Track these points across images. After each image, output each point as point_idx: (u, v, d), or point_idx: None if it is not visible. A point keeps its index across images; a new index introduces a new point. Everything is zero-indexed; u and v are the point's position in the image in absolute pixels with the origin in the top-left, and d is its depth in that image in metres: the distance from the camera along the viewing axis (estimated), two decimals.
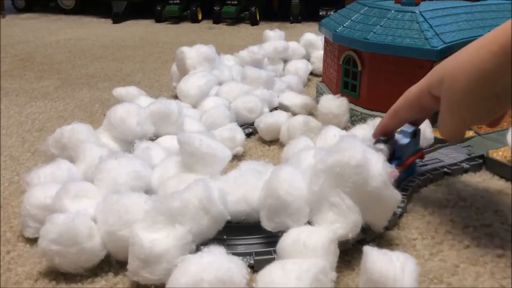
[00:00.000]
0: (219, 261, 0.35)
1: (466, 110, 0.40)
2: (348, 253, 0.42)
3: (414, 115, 0.48)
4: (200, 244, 0.40)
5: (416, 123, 0.50)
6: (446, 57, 0.63)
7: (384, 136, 0.49)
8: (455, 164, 0.57)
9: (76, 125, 0.56)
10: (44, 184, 0.47)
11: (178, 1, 1.89)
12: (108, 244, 0.41)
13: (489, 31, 0.66)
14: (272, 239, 0.42)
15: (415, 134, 0.50)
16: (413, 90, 0.45)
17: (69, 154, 0.54)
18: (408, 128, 0.49)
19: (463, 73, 0.39)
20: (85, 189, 0.44)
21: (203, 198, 0.39)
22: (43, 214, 0.43)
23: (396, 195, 0.41)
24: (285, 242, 0.38)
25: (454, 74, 0.39)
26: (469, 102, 0.39)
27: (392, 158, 0.49)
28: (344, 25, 0.71)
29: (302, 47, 1.03)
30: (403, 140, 0.50)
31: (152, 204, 0.40)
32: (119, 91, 0.78)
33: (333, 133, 0.56)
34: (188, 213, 0.39)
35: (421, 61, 0.62)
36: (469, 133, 0.64)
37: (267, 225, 0.41)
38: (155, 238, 0.38)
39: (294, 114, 0.70)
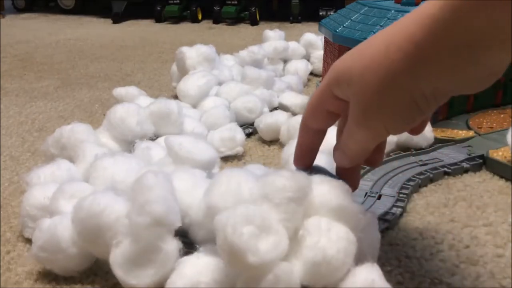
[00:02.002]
0: (215, 262, 0.35)
1: (380, 119, 0.32)
2: None
3: (325, 123, 0.38)
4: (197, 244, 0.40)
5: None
6: None
7: (306, 159, 0.41)
8: (455, 163, 0.57)
9: (75, 125, 0.56)
10: (43, 184, 0.47)
11: (178, 1, 1.89)
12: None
13: None
14: None
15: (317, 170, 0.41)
16: (315, 93, 0.37)
17: (69, 154, 0.54)
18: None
19: (374, 77, 0.31)
20: (81, 190, 0.44)
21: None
22: (42, 214, 0.43)
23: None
24: None
25: (364, 76, 0.32)
26: (383, 110, 0.31)
27: None
28: (344, 25, 0.71)
29: (302, 47, 1.03)
30: None
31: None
32: (119, 91, 0.78)
33: (332, 133, 0.56)
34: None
35: None
36: (469, 133, 0.64)
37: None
38: None
39: (294, 114, 0.70)
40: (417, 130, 0.38)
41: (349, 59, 0.33)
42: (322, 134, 0.39)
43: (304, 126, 0.39)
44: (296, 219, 0.35)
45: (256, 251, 0.31)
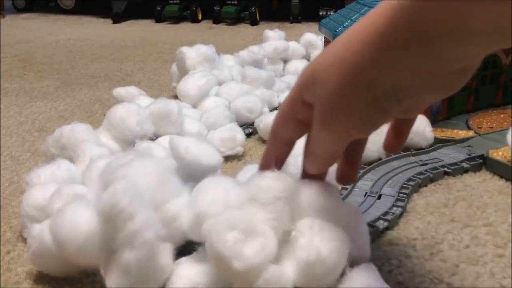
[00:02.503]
0: None
1: (342, 119, 0.31)
2: None
3: (295, 132, 0.36)
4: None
5: None
6: None
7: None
8: (455, 163, 0.57)
9: (75, 125, 0.56)
10: (43, 185, 0.46)
11: (178, 1, 1.89)
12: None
13: None
14: None
15: None
16: (286, 99, 0.35)
17: (69, 154, 0.54)
18: None
19: (335, 72, 0.30)
20: (78, 191, 0.43)
21: None
22: (41, 215, 0.43)
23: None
24: None
25: (327, 74, 0.30)
26: (345, 109, 0.30)
27: None
28: (344, 25, 0.70)
29: (302, 47, 1.03)
30: None
31: None
32: (119, 91, 0.78)
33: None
34: None
35: None
36: (469, 133, 0.64)
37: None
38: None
39: None
40: (392, 147, 0.38)
41: (316, 60, 0.32)
42: (291, 145, 0.37)
43: (272, 134, 0.37)
44: (284, 219, 0.35)
45: (241, 256, 0.31)
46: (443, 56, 0.27)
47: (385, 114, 0.30)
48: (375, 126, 0.31)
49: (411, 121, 0.38)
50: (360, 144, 0.38)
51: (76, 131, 0.55)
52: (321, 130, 0.32)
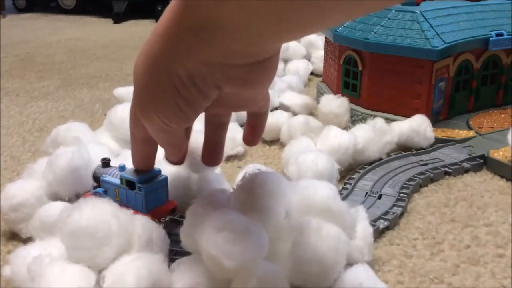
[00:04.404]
0: None
1: (152, 108, 0.32)
2: None
3: (146, 131, 0.36)
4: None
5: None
6: (447, 57, 0.64)
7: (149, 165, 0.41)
8: (456, 163, 0.57)
9: (71, 124, 0.56)
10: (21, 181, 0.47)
11: None
12: None
13: (489, 31, 0.67)
14: None
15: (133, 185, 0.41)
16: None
17: None
18: (130, 173, 0.41)
19: (140, 63, 0.32)
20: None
21: None
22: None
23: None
24: None
25: (136, 64, 0.33)
26: (153, 99, 0.32)
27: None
28: (345, 25, 0.71)
29: (302, 47, 1.03)
30: (109, 176, 0.43)
31: None
32: (119, 91, 0.78)
33: (334, 133, 0.56)
34: None
35: (421, 61, 0.62)
36: (470, 133, 0.64)
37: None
38: None
39: (294, 114, 0.70)
40: (249, 140, 0.42)
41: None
42: (149, 142, 0.38)
43: (131, 136, 0.39)
44: (276, 219, 0.35)
45: (231, 255, 0.31)
46: (222, 48, 0.28)
47: (193, 104, 0.32)
48: (186, 115, 0.33)
49: (262, 116, 0.41)
50: (217, 131, 0.42)
51: (72, 129, 0.55)
52: (143, 121, 0.34)
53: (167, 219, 0.43)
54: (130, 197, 0.41)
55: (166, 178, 0.42)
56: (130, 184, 0.41)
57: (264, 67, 0.32)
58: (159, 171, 0.42)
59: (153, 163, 0.41)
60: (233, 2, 0.25)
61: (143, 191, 0.40)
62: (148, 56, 0.31)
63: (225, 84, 0.31)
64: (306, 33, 0.29)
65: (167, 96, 0.31)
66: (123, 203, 0.42)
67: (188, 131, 0.41)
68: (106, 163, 0.44)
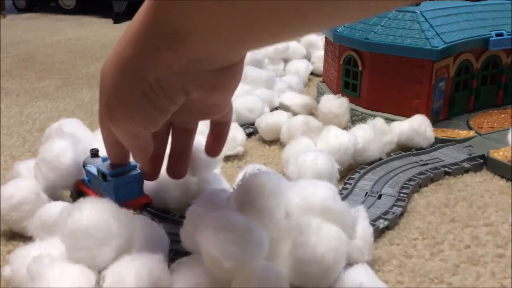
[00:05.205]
0: None
1: (121, 113, 0.33)
2: None
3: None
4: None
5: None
6: (447, 57, 0.64)
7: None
8: (456, 163, 0.57)
9: (63, 121, 0.55)
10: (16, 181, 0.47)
11: None
12: None
13: (489, 31, 0.67)
14: None
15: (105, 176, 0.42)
16: None
17: None
18: (105, 166, 0.43)
19: (109, 69, 0.32)
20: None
21: None
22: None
23: None
24: None
25: (105, 69, 0.33)
26: (123, 104, 0.32)
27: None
28: (345, 24, 0.71)
29: (302, 47, 1.03)
30: (92, 166, 0.45)
31: None
32: None
33: (334, 133, 0.56)
34: None
35: (421, 61, 0.62)
36: (470, 133, 0.64)
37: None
38: None
39: (294, 114, 0.70)
40: (211, 149, 0.42)
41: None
42: (114, 143, 0.38)
43: (103, 138, 0.39)
44: (276, 219, 0.35)
45: (231, 255, 0.31)
46: (188, 55, 0.29)
47: (161, 109, 0.32)
48: (153, 120, 0.33)
49: (225, 126, 0.42)
50: (183, 138, 0.42)
51: (64, 126, 0.54)
52: (110, 124, 0.34)
53: (136, 212, 0.44)
54: (104, 188, 0.43)
55: (139, 173, 0.43)
56: (103, 176, 0.43)
57: (231, 72, 0.32)
58: (135, 166, 0.43)
59: (126, 158, 0.42)
60: (199, 11, 0.25)
61: (112, 184, 0.42)
62: (117, 61, 0.31)
63: (192, 89, 0.32)
64: (275, 41, 0.29)
65: (135, 101, 0.31)
66: (102, 193, 0.44)
67: (160, 137, 0.41)
68: (94, 153, 0.46)
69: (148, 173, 0.43)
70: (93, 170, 0.44)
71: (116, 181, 0.42)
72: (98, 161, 0.45)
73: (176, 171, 0.43)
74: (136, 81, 0.31)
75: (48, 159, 0.46)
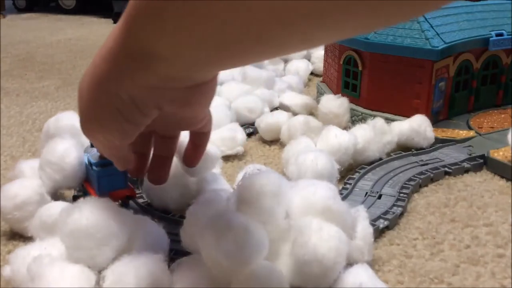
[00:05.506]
0: None
1: (97, 128, 0.34)
2: None
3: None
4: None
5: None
6: (447, 57, 0.64)
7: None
8: (456, 163, 0.57)
9: (60, 115, 0.55)
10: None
11: None
12: None
13: (489, 31, 0.67)
14: None
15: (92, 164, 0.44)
16: None
17: None
18: (94, 157, 0.44)
19: (85, 84, 0.33)
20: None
21: None
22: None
23: None
24: None
25: (81, 85, 0.34)
26: (97, 119, 0.33)
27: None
28: None
29: None
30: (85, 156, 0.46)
31: None
32: None
33: (334, 133, 0.56)
34: None
35: (421, 61, 0.62)
36: (470, 133, 0.64)
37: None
38: None
39: (294, 114, 0.70)
40: (190, 159, 0.43)
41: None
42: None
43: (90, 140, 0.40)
44: (276, 219, 0.35)
45: (231, 255, 0.31)
46: (159, 74, 0.29)
47: (134, 123, 0.33)
48: (127, 133, 0.34)
49: (204, 136, 0.42)
50: (165, 144, 0.42)
51: (61, 119, 0.54)
52: (88, 138, 0.36)
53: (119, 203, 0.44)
54: (91, 177, 0.45)
55: None
56: (91, 165, 0.44)
57: (202, 90, 0.33)
58: None
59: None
60: (169, 32, 0.26)
61: (95, 173, 0.43)
62: (92, 78, 0.32)
63: (164, 105, 0.32)
64: (249, 62, 0.30)
65: (109, 116, 0.32)
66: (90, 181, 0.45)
67: (145, 136, 0.42)
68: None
69: (132, 170, 0.44)
70: (86, 159, 0.46)
71: (100, 171, 0.43)
72: (94, 150, 0.45)
73: (156, 176, 0.44)
74: (110, 97, 0.31)
75: (52, 160, 0.47)
